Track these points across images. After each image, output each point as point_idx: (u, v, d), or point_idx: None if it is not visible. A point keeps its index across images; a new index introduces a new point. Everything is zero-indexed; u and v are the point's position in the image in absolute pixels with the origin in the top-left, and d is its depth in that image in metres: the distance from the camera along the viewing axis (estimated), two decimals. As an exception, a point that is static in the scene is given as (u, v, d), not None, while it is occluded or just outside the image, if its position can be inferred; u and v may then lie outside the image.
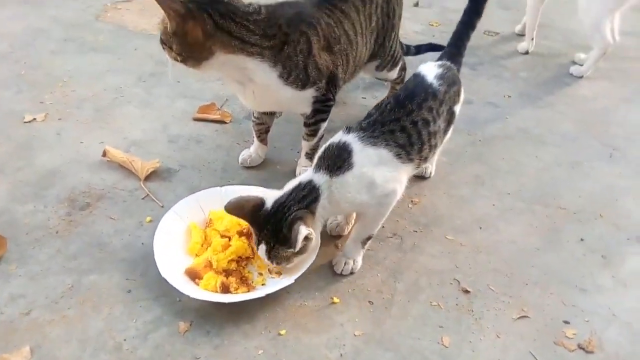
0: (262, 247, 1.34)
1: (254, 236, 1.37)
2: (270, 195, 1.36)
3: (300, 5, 1.66)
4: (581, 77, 2.64)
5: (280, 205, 1.32)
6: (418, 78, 1.54)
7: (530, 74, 2.67)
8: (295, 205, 1.31)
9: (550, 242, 1.66)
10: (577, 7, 2.53)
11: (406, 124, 1.42)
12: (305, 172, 1.41)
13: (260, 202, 1.35)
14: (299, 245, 1.28)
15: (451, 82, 1.56)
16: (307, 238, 1.30)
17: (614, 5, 2.45)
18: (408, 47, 2.36)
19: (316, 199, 1.33)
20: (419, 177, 1.84)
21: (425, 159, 1.50)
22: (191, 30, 1.39)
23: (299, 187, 1.35)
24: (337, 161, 1.35)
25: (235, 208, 1.36)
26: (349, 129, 1.41)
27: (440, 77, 1.54)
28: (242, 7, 1.48)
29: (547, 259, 1.60)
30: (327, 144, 1.42)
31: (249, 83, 1.56)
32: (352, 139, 1.38)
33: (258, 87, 1.57)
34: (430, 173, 1.86)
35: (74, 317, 1.33)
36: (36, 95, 2.20)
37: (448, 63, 1.63)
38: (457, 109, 1.62)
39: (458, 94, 1.61)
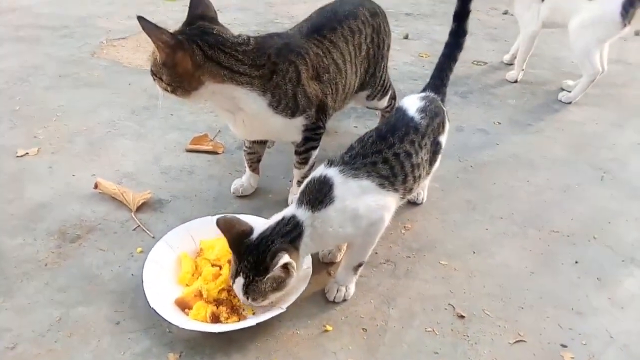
0: (240, 281, 1.29)
1: (232, 266, 1.34)
2: (258, 227, 1.34)
3: (289, 36, 1.69)
4: (569, 103, 2.68)
5: (264, 238, 1.30)
6: (400, 112, 1.55)
7: (519, 101, 2.71)
8: (279, 239, 1.29)
9: (545, 265, 1.65)
10: (569, 37, 2.59)
11: (388, 155, 1.42)
12: (289, 207, 1.39)
13: (249, 231, 1.33)
14: (273, 268, 1.23)
15: (434, 114, 1.57)
16: (286, 269, 1.26)
17: (604, 36, 2.52)
18: None
19: (299, 235, 1.31)
20: (411, 203, 1.84)
21: (410, 190, 1.50)
22: (180, 61, 1.41)
23: (283, 222, 1.32)
24: (318, 196, 1.33)
25: (225, 225, 1.33)
26: (330, 162, 1.40)
27: (422, 110, 1.55)
28: (231, 38, 1.51)
29: (542, 282, 1.58)
30: (309, 178, 1.41)
31: (239, 112, 1.57)
32: (333, 173, 1.36)
33: (248, 116, 1.58)
34: (423, 199, 1.86)
35: (61, 351, 1.30)
36: (29, 130, 2.21)
37: (431, 95, 1.65)
38: (443, 139, 1.63)
39: (442, 125, 1.61)
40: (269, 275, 1.25)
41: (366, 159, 1.39)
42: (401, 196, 1.47)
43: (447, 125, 1.65)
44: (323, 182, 1.35)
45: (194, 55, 1.42)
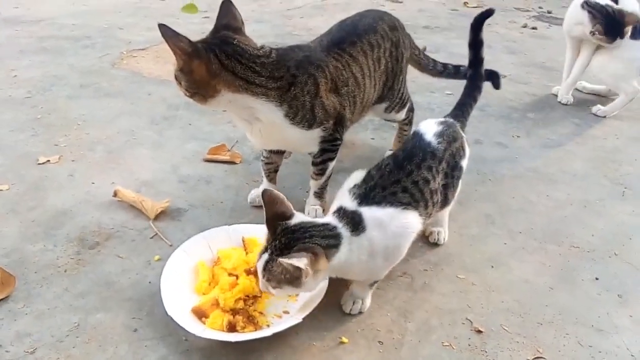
0: (264, 257, 1.27)
1: (264, 241, 1.32)
2: (300, 216, 1.33)
3: (310, 49, 1.70)
4: (604, 117, 2.69)
5: (303, 228, 1.29)
6: (416, 137, 1.53)
7: (538, 114, 2.69)
8: (319, 238, 1.27)
9: (564, 281, 1.63)
10: (592, 66, 2.65)
11: (407, 184, 1.41)
12: (332, 217, 1.37)
13: (289, 215, 1.31)
14: (288, 263, 1.19)
15: (452, 138, 1.55)
16: (300, 271, 1.21)
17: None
18: (445, 65, 2.25)
19: (336, 246, 1.29)
20: (433, 244, 1.75)
21: (429, 215, 1.48)
22: (197, 69, 1.44)
23: (327, 227, 1.31)
24: (353, 223, 1.33)
25: (269, 199, 1.32)
26: (355, 195, 1.39)
27: (440, 134, 1.52)
28: (251, 49, 1.52)
29: (562, 298, 1.56)
30: (338, 207, 1.38)
31: (256, 122, 1.59)
32: (361, 208, 1.36)
33: (265, 126, 1.59)
34: (444, 238, 1.76)
35: (79, 356, 1.31)
36: (51, 138, 2.25)
37: (450, 120, 1.63)
38: (464, 163, 1.60)
39: (462, 148, 1.60)
40: (282, 263, 1.21)
41: (386, 191, 1.39)
42: (423, 220, 1.44)
43: (468, 151, 1.63)
44: (354, 212, 1.35)
45: (210, 64, 1.44)
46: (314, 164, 1.77)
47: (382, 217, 1.35)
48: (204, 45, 1.45)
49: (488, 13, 1.75)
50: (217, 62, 1.45)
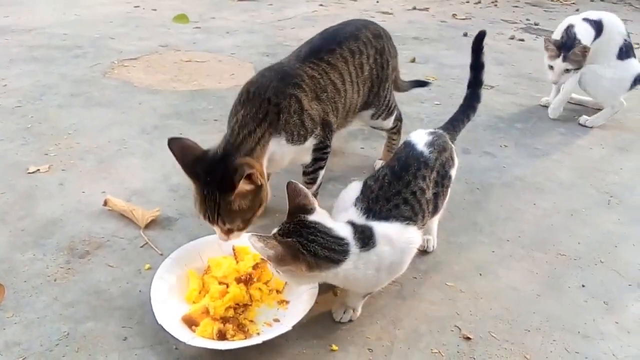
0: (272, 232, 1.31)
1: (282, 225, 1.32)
2: (321, 214, 1.32)
3: (281, 67, 1.73)
4: (591, 127, 2.76)
5: (314, 229, 1.28)
6: (408, 147, 1.55)
7: (525, 124, 2.73)
8: (317, 245, 1.25)
9: (551, 289, 1.65)
10: (583, 80, 2.73)
11: (407, 195, 1.42)
12: (344, 226, 1.35)
13: (310, 208, 1.32)
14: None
15: (442, 148, 1.56)
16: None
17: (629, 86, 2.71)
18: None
19: (336, 262, 1.28)
20: (422, 252, 1.75)
21: (423, 225, 1.50)
22: None
23: (338, 241, 1.29)
24: (362, 238, 1.32)
25: (292, 192, 1.34)
26: (362, 210, 1.39)
27: (431, 144, 1.54)
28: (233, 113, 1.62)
29: (549, 305, 1.58)
30: (348, 221, 1.37)
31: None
32: (370, 223, 1.36)
33: (271, 154, 1.62)
34: (433, 246, 1.77)
35: (68, 366, 1.31)
36: (41, 147, 2.25)
37: (440, 131, 1.64)
38: (453, 172, 1.62)
39: (452, 158, 1.61)
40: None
41: (389, 203, 1.40)
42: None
43: (457, 160, 1.65)
44: (364, 228, 1.34)
45: None
46: (305, 173, 1.79)
47: (391, 233, 1.36)
48: None
49: (480, 35, 1.80)
50: None
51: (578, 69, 2.67)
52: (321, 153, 1.74)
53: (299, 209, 1.32)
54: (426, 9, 5.39)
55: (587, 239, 1.88)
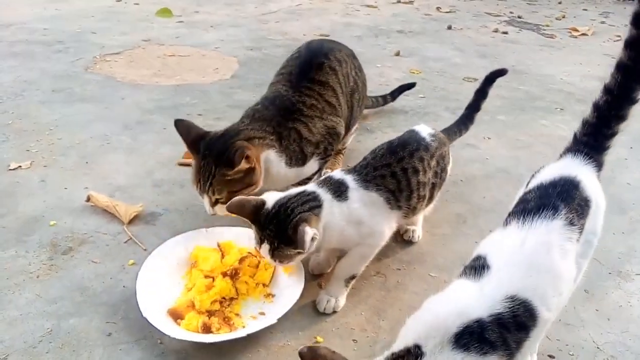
0: (265, 247, 1.36)
1: (255, 235, 1.39)
2: (270, 197, 1.40)
3: (282, 101, 1.79)
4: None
5: (282, 205, 1.36)
6: (412, 132, 1.63)
7: (508, 117, 2.75)
8: (298, 207, 1.35)
9: (533, 278, 1.67)
10: None
11: (396, 170, 1.49)
12: (309, 184, 1.48)
13: (261, 203, 1.38)
14: (307, 245, 1.28)
15: (442, 142, 1.65)
16: (312, 238, 1.31)
17: None
18: (384, 97, 2.59)
19: (319, 206, 1.38)
20: (407, 242, 1.79)
21: (414, 209, 1.55)
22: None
23: (304, 193, 1.40)
24: (337, 190, 1.43)
25: (237, 207, 1.38)
26: (346, 171, 1.50)
27: (433, 135, 1.63)
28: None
29: (531, 294, 1.60)
30: (327, 175, 1.51)
31: (268, 175, 1.70)
32: (348, 178, 1.47)
33: (272, 176, 1.71)
34: (418, 236, 1.80)
35: (52, 362, 1.30)
36: (22, 144, 2.22)
37: (439, 131, 1.73)
38: (449, 168, 1.70)
39: (449, 154, 1.70)
40: (297, 250, 1.32)
41: (376, 171, 1.48)
42: (404, 214, 1.53)
43: (451, 160, 1.73)
44: (341, 183, 1.45)
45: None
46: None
47: (366, 199, 1.45)
48: None
49: (501, 73, 1.96)
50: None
51: None
52: (324, 156, 1.88)
53: (255, 210, 1.37)
54: (410, 2, 5.40)
55: (568, 228, 1.90)
